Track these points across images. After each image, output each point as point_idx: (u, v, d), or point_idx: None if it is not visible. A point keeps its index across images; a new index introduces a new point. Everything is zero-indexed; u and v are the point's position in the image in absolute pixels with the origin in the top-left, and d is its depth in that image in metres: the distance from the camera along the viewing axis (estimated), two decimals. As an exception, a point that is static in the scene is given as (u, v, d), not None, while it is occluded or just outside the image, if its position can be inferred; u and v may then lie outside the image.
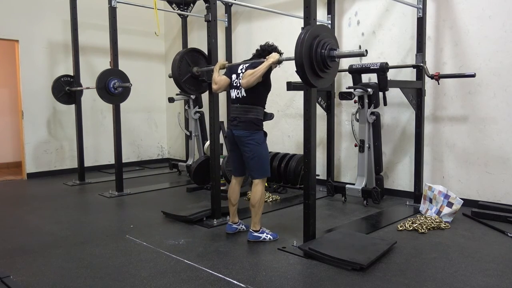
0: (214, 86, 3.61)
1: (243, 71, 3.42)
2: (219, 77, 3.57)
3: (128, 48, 7.29)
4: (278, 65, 3.39)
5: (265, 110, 3.53)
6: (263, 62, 3.32)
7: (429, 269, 2.88)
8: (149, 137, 8.05)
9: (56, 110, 6.81)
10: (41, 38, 6.61)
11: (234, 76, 3.49)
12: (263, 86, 3.38)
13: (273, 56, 3.30)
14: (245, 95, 3.38)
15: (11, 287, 2.65)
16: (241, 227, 3.69)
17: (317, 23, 3.34)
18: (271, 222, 4.05)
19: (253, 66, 3.36)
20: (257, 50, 3.55)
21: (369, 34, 5.17)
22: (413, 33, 4.62)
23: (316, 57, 2.91)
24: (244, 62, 3.55)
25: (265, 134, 3.52)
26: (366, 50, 2.88)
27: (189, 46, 7.19)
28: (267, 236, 3.46)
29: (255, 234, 3.46)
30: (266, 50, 3.46)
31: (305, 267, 2.95)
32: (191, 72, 4.22)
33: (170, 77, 4.33)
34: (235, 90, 3.45)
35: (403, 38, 4.87)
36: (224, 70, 3.69)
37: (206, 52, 4.12)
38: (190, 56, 4.24)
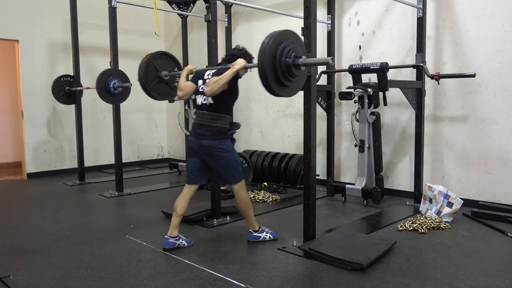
0: (179, 93, 3.42)
1: (210, 77, 3.27)
2: (184, 83, 3.40)
3: (128, 48, 7.28)
4: (249, 70, 3.26)
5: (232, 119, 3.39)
6: (229, 68, 3.17)
7: (429, 269, 2.88)
8: (149, 137, 8.05)
9: (56, 110, 6.81)
10: (41, 38, 6.61)
11: (200, 81, 3.34)
12: (229, 93, 3.23)
13: (239, 63, 3.13)
14: (212, 102, 3.23)
15: (11, 287, 2.65)
16: (181, 242, 3.33)
17: (317, 23, 3.33)
18: (271, 222, 4.05)
19: (219, 72, 3.21)
20: (226, 55, 3.45)
21: (369, 34, 5.17)
22: (413, 33, 4.62)
23: (281, 65, 2.78)
24: (211, 67, 3.44)
25: (233, 140, 3.39)
26: (332, 58, 2.78)
27: (189, 46, 7.21)
28: (266, 235, 3.46)
29: (255, 234, 3.45)
30: (235, 55, 3.31)
31: (305, 267, 2.95)
32: (159, 77, 4.04)
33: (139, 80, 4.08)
34: (202, 96, 3.30)
35: (403, 38, 4.87)
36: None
37: (205, 52, 4.09)
38: (158, 61, 4.06)
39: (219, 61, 3.63)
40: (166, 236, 3.32)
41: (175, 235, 3.33)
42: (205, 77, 3.32)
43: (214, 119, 3.24)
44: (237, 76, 3.20)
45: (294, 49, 2.86)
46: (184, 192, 3.40)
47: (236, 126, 3.40)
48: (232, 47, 3.43)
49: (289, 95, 3.04)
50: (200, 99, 3.32)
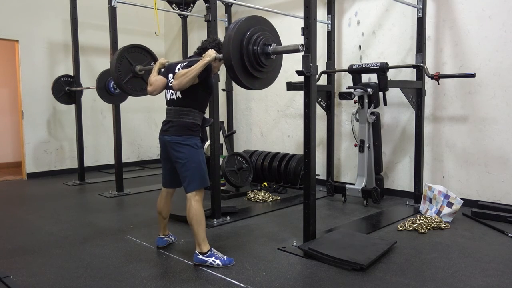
0: (148, 88, 3.16)
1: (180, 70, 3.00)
2: (154, 78, 3.14)
3: (128, 48, 7.28)
4: (220, 62, 2.96)
5: (204, 115, 3.10)
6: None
7: (429, 269, 2.88)
8: (149, 137, 8.04)
9: (56, 110, 6.81)
10: (41, 38, 6.61)
11: (170, 75, 3.05)
12: (201, 88, 2.95)
13: (209, 54, 2.85)
14: (180, 96, 2.96)
15: (11, 287, 2.65)
16: (171, 239, 3.42)
17: (317, 23, 3.32)
18: (271, 222, 4.05)
19: (188, 65, 2.92)
20: (198, 48, 3.13)
21: (369, 34, 5.17)
22: (413, 33, 4.62)
23: (248, 54, 2.58)
24: (183, 60, 3.19)
25: (203, 140, 3.08)
26: (302, 45, 2.61)
27: (189, 46, 7.20)
28: (214, 261, 2.93)
29: (200, 257, 2.96)
30: (206, 48, 3.02)
31: (305, 267, 2.95)
32: (133, 72, 3.85)
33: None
34: (170, 90, 3.03)
35: (403, 38, 4.87)
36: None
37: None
38: (132, 54, 3.85)
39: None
40: (159, 236, 3.38)
41: (167, 233, 3.41)
42: (176, 70, 3.03)
43: (181, 114, 2.96)
44: (209, 69, 2.92)
45: (263, 36, 2.66)
46: (163, 195, 3.28)
47: (209, 122, 3.14)
48: (205, 40, 3.17)
49: (260, 88, 2.86)
50: (168, 94, 3.06)
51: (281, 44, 2.83)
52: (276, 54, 2.76)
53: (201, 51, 3.06)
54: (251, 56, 2.64)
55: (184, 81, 2.82)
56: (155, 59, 4.10)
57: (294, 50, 2.67)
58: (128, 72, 3.89)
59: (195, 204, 2.95)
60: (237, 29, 2.60)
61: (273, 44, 2.71)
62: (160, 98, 7.84)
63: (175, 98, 3.00)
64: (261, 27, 2.74)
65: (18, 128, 6.95)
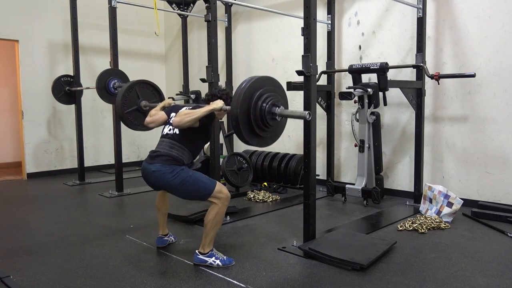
0: (147, 119, 3.23)
1: None
2: (156, 111, 3.24)
3: (128, 48, 7.28)
4: (225, 112, 3.04)
5: (194, 160, 3.13)
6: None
7: (429, 269, 2.88)
8: (149, 137, 8.02)
9: (56, 110, 6.81)
10: (41, 38, 6.61)
11: (173, 114, 3.12)
12: (199, 133, 3.03)
13: (216, 103, 2.95)
14: (177, 133, 3.01)
15: (11, 287, 2.65)
16: (171, 239, 3.44)
17: (317, 23, 3.33)
18: (271, 222, 4.05)
19: (193, 109, 3.01)
20: (206, 95, 3.22)
21: (369, 34, 5.17)
22: (413, 33, 4.62)
23: (256, 109, 2.68)
24: (189, 104, 3.20)
25: (189, 166, 3.06)
26: (309, 113, 2.70)
27: (189, 46, 7.21)
28: (214, 262, 2.95)
29: (200, 257, 2.97)
30: (215, 95, 3.09)
31: (305, 267, 2.95)
32: (138, 105, 3.94)
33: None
34: (169, 126, 3.09)
35: (403, 38, 4.87)
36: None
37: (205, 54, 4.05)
38: (142, 89, 3.96)
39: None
40: (160, 235, 3.39)
41: (166, 232, 3.42)
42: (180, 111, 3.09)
43: (172, 147, 2.98)
44: (212, 117, 3.03)
45: (273, 97, 2.77)
46: (161, 193, 3.37)
47: (195, 166, 3.14)
48: (215, 88, 3.29)
49: (257, 146, 2.93)
50: (166, 129, 3.11)
51: (282, 106, 2.89)
52: (282, 117, 2.83)
53: (210, 97, 3.12)
54: (257, 112, 2.72)
55: (185, 120, 2.89)
56: (162, 100, 4.16)
57: (300, 117, 2.75)
58: (133, 104, 3.98)
59: (218, 208, 2.92)
60: (252, 83, 2.70)
61: (281, 106, 2.80)
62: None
63: (172, 133, 3.05)
64: (274, 89, 2.83)
65: (18, 128, 6.95)
